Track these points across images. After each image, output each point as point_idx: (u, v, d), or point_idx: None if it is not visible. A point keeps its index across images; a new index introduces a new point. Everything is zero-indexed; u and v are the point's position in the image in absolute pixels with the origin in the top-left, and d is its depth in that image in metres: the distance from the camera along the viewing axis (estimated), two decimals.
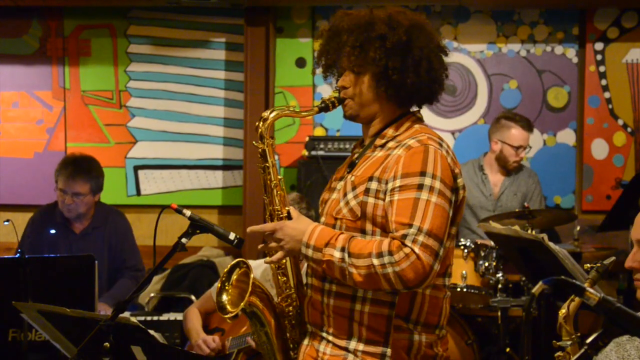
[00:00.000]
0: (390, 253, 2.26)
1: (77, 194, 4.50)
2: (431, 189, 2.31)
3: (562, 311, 2.15)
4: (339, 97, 2.50)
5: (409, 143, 2.39)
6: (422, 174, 2.32)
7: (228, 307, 2.50)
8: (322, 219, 2.52)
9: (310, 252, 2.38)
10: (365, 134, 2.55)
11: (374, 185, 2.38)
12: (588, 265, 2.18)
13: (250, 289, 2.46)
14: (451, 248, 2.46)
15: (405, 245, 2.26)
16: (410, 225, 2.28)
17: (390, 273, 2.27)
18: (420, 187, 2.31)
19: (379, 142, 2.48)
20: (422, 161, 2.34)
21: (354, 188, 2.42)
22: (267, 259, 2.50)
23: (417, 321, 2.41)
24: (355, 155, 2.56)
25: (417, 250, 2.26)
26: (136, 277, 4.62)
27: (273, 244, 2.45)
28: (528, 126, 5.16)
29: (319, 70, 2.63)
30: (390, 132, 2.47)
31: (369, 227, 2.40)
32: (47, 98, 6.02)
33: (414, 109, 2.55)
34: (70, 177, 4.49)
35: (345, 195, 2.44)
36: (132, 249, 4.75)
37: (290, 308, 2.56)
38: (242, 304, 2.46)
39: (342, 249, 2.33)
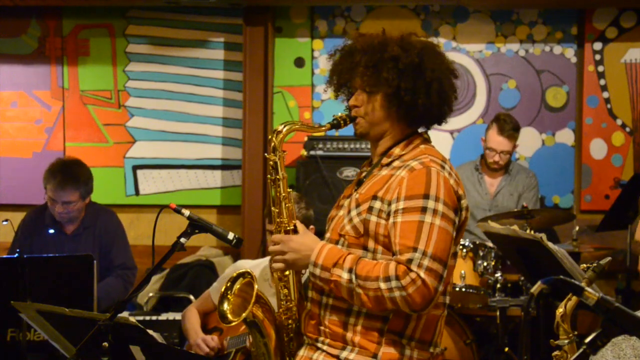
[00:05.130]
0: (397, 278, 2.32)
1: (67, 202, 4.42)
2: (435, 212, 2.36)
3: (560, 310, 2.16)
4: (350, 115, 2.55)
5: (412, 165, 2.43)
6: (426, 196, 2.36)
7: (229, 316, 2.54)
8: (327, 235, 2.56)
9: (318, 271, 2.43)
10: (373, 153, 2.60)
11: (377, 204, 2.42)
12: (584, 265, 2.19)
13: (253, 299, 2.50)
14: (452, 266, 2.49)
15: (411, 270, 2.31)
16: (415, 249, 2.33)
17: (397, 297, 2.32)
18: (424, 210, 2.35)
19: (385, 160, 2.51)
20: (425, 183, 2.38)
21: (357, 205, 2.46)
22: (272, 265, 2.55)
23: (411, 337, 2.45)
24: (363, 174, 2.60)
25: (422, 275, 2.31)
26: (123, 276, 4.56)
27: (277, 256, 2.50)
28: (508, 130, 5.05)
29: (329, 90, 2.68)
30: (397, 150, 2.52)
31: (371, 244, 2.44)
32: (46, 98, 6.02)
33: (422, 129, 2.59)
34: (59, 187, 4.38)
35: (349, 212, 2.48)
36: (122, 248, 4.65)
37: (290, 321, 2.60)
38: (244, 314, 2.50)
39: (350, 270, 2.38)
